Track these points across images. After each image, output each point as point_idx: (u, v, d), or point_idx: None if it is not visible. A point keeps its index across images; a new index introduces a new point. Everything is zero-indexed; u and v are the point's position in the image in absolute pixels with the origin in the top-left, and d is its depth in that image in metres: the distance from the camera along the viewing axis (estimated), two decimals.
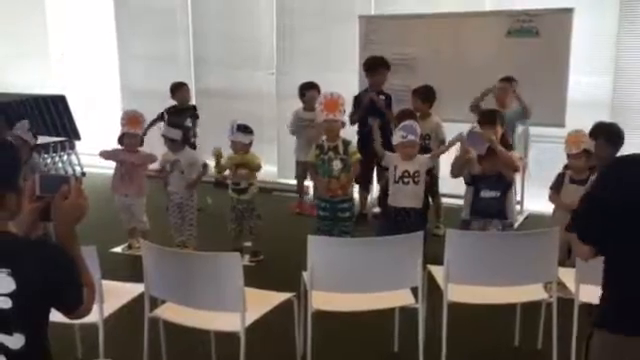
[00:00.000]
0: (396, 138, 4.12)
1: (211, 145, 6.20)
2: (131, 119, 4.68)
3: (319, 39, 6.77)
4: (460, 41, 5.70)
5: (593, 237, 1.97)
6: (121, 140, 4.72)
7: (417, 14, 6.01)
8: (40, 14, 8.66)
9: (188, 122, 5.88)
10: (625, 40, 5.51)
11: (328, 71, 6.38)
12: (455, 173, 4.13)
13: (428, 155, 4.27)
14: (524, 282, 3.03)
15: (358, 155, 4.28)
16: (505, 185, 4.02)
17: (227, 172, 4.67)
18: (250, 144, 4.60)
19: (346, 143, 4.27)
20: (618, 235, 1.89)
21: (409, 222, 4.02)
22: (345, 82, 5.79)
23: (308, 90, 5.76)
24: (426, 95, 5.20)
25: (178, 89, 6.13)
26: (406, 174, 4.11)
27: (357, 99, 5.52)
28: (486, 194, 4.01)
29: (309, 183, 6.10)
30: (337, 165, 4.20)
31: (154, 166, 4.85)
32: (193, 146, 5.53)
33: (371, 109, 5.40)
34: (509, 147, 4.47)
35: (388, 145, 4.37)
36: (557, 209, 4.12)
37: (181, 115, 5.84)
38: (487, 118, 4.46)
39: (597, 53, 5.61)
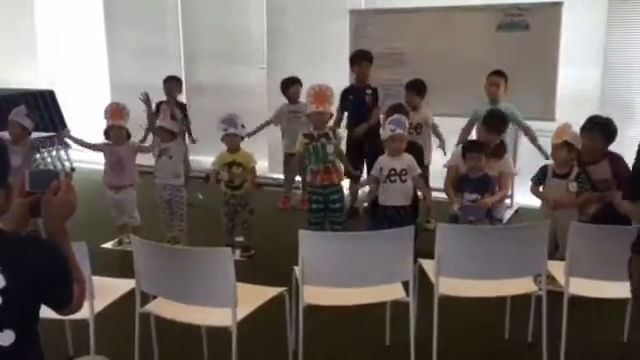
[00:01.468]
0: (385, 132, 4.15)
1: (201, 139, 6.22)
2: (114, 111, 4.65)
3: (310, 33, 6.76)
4: (451, 35, 5.71)
5: None
6: (107, 133, 4.71)
7: (408, 8, 6.01)
8: (28, 8, 8.59)
9: (178, 113, 5.90)
10: (614, 34, 5.53)
11: (319, 65, 6.37)
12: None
13: (417, 169, 4.24)
14: (514, 275, 3.05)
15: (343, 137, 4.55)
16: (488, 187, 4.06)
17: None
18: (242, 139, 4.64)
19: (333, 129, 4.44)
20: None
21: (400, 219, 4.04)
22: (336, 77, 5.79)
23: (292, 85, 5.90)
24: (420, 89, 5.34)
25: (165, 83, 6.10)
26: (393, 172, 4.13)
27: (343, 96, 5.55)
28: (470, 197, 4.06)
29: (299, 178, 6.13)
30: (330, 149, 4.34)
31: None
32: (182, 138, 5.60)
33: (357, 107, 5.44)
34: (503, 151, 4.46)
35: (376, 145, 4.40)
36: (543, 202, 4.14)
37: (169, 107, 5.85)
38: (496, 125, 4.44)
39: (587, 47, 5.64)
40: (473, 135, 5.18)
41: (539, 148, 5.02)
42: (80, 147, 4.95)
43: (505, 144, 4.62)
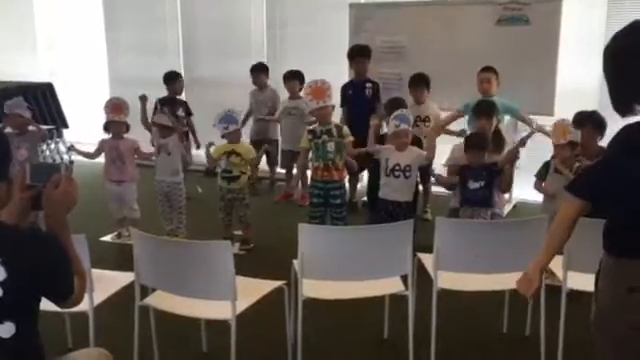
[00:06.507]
0: (389, 127, 4.14)
1: (201, 134, 6.21)
2: (114, 107, 4.69)
3: (310, 27, 6.75)
4: (451, 29, 5.70)
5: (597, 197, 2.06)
6: (107, 128, 4.73)
7: (408, 2, 6.02)
8: (27, 1, 8.56)
9: (180, 112, 5.88)
10: (614, 28, 5.46)
11: (319, 59, 6.36)
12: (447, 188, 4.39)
13: (423, 153, 4.22)
14: (513, 269, 3.03)
15: (351, 137, 4.36)
16: (490, 176, 4.07)
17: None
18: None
19: (339, 127, 4.37)
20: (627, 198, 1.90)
21: (400, 214, 4.04)
22: (336, 71, 5.79)
23: (288, 80, 5.90)
24: (428, 82, 5.34)
25: (169, 80, 6.08)
26: (397, 167, 4.12)
27: (343, 90, 5.54)
28: (472, 185, 4.07)
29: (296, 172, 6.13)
30: (331, 147, 4.28)
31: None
32: (185, 136, 5.58)
33: (358, 101, 5.44)
34: (502, 142, 4.46)
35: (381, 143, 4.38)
36: (545, 198, 4.15)
37: (173, 105, 5.85)
38: (485, 109, 4.45)
39: (586, 41, 5.62)
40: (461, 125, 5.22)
41: (540, 129, 4.86)
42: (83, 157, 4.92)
43: (502, 134, 4.59)
